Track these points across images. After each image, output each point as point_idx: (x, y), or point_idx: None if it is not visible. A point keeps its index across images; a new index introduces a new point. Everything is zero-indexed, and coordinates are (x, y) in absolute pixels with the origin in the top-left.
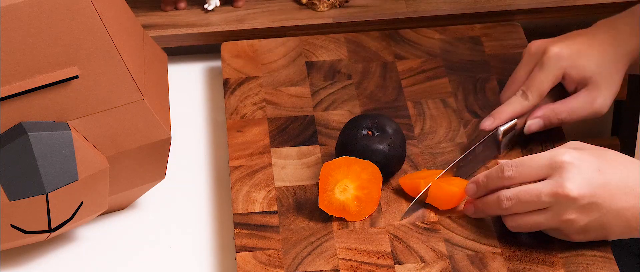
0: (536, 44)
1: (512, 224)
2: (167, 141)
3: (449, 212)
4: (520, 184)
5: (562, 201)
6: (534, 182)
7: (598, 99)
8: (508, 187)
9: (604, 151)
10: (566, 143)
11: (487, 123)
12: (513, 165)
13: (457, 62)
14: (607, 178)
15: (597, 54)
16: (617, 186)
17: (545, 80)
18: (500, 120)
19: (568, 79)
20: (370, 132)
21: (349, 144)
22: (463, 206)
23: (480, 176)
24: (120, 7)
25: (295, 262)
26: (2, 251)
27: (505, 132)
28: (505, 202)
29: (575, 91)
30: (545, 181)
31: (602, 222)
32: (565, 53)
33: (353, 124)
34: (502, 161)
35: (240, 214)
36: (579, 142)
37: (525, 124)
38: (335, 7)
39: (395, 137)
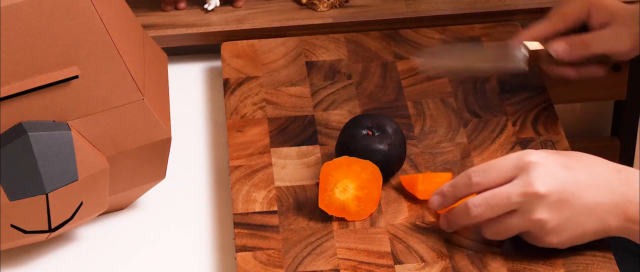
0: None
1: (487, 232)
2: (167, 141)
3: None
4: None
5: (531, 199)
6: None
7: (622, 34)
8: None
9: (570, 152)
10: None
11: (515, 40)
12: (480, 170)
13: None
14: (575, 174)
15: None
16: (585, 182)
17: (569, 8)
18: (523, 36)
19: (594, 16)
20: (370, 132)
21: (349, 144)
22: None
23: (445, 186)
24: (120, 7)
25: (295, 262)
26: (2, 251)
27: (532, 53)
28: (474, 209)
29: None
30: (513, 181)
31: (574, 221)
32: None
33: (353, 124)
34: (470, 169)
35: (240, 214)
36: (545, 150)
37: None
38: (335, 7)
39: (395, 137)
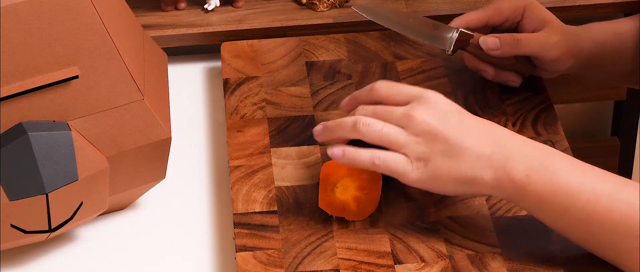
0: None
1: (365, 130)
2: (167, 141)
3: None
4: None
5: (408, 120)
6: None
7: (551, 41)
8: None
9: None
10: None
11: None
12: (386, 82)
13: (457, 62)
14: (464, 117)
15: None
16: (472, 127)
17: (506, 3)
18: (455, 23)
19: (527, 19)
20: None
21: (349, 144)
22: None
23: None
24: (120, 7)
25: (295, 262)
26: (2, 251)
27: (462, 35)
28: (362, 110)
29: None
30: (405, 106)
31: (444, 157)
32: None
33: None
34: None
35: (240, 214)
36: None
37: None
38: (335, 7)
39: None
